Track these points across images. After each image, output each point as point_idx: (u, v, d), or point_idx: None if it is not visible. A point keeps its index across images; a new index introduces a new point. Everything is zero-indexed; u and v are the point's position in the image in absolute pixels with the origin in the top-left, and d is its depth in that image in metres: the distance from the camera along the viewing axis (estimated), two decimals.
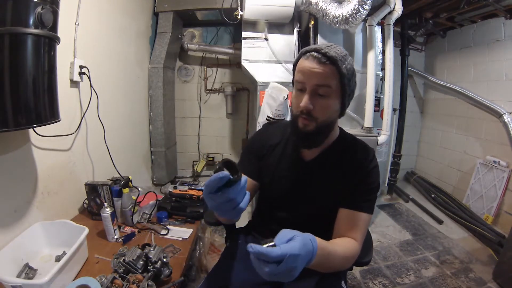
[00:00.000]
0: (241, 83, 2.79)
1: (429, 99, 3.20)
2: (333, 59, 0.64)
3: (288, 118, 1.78)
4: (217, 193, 0.47)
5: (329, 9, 1.81)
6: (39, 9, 0.79)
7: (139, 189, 1.43)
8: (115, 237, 1.16)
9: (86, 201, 1.35)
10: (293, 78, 0.75)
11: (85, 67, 1.36)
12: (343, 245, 0.66)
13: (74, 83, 1.35)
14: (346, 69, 0.66)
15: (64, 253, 1.01)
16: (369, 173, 0.74)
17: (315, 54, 0.65)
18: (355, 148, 0.78)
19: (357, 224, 0.71)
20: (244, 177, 0.49)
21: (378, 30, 2.03)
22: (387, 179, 2.92)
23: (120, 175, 1.45)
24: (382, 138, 2.00)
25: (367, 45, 2.01)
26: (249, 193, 0.53)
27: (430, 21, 2.56)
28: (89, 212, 1.34)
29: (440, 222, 2.37)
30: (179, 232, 1.27)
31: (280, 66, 2.10)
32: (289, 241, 0.47)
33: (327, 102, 0.67)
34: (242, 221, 1.05)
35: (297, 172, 0.79)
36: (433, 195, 2.76)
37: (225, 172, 0.45)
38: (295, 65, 0.73)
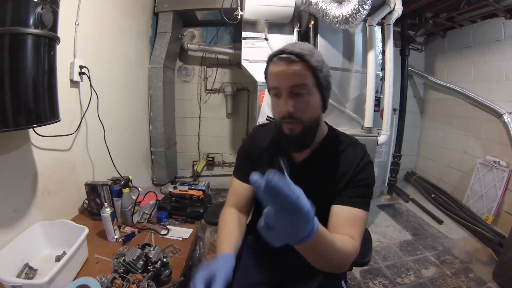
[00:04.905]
0: (241, 83, 2.79)
1: (429, 99, 3.20)
2: (301, 55, 0.62)
3: None
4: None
5: (329, 9, 1.81)
6: (39, 9, 0.79)
7: (139, 189, 1.43)
8: (115, 237, 1.16)
9: (86, 201, 1.35)
10: (268, 86, 0.73)
11: (85, 67, 1.36)
12: (341, 239, 0.63)
13: (74, 83, 1.35)
14: (317, 61, 0.64)
15: (64, 253, 1.01)
16: (361, 169, 0.72)
17: (282, 56, 0.63)
18: (346, 145, 0.76)
19: (353, 221, 0.68)
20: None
21: (378, 30, 2.03)
22: (387, 179, 2.92)
23: (120, 175, 1.45)
24: (382, 138, 2.00)
25: (367, 45, 2.01)
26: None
27: (430, 21, 2.56)
28: (89, 212, 1.34)
29: (440, 222, 2.36)
30: (179, 232, 1.27)
31: None
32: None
33: (307, 100, 0.66)
34: None
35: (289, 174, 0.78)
36: (433, 195, 2.76)
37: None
38: (266, 73, 0.71)
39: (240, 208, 0.86)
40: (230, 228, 0.80)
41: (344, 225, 0.68)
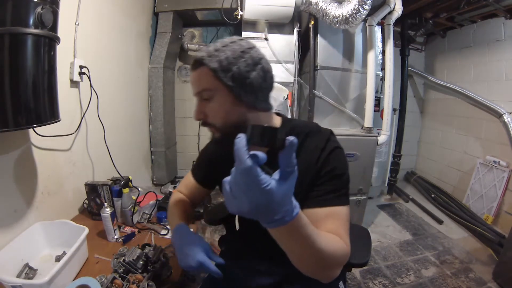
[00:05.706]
0: None
1: (429, 99, 3.20)
2: (199, 60, 0.60)
3: None
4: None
5: (329, 9, 1.81)
6: (39, 9, 0.79)
7: (139, 189, 1.43)
8: (115, 237, 1.16)
9: (86, 201, 1.35)
10: None
11: (85, 67, 1.36)
12: (328, 236, 0.53)
13: (74, 83, 1.35)
14: (219, 61, 0.58)
15: (64, 253, 1.01)
16: (326, 159, 0.63)
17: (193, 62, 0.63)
18: (304, 135, 0.66)
19: (332, 221, 0.58)
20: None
21: (378, 30, 2.04)
22: (387, 179, 2.92)
23: (120, 175, 1.45)
24: (382, 138, 2.00)
25: (367, 45, 2.01)
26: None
27: (430, 21, 2.56)
28: (89, 212, 1.34)
29: (440, 222, 2.37)
30: None
31: (280, 66, 2.10)
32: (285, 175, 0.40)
33: (214, 106, 0.62)
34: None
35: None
36: (433, 195, 2.76)
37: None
38: None
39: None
40: (181, 205, 0.86)
41: (322, 229, 0.56)
